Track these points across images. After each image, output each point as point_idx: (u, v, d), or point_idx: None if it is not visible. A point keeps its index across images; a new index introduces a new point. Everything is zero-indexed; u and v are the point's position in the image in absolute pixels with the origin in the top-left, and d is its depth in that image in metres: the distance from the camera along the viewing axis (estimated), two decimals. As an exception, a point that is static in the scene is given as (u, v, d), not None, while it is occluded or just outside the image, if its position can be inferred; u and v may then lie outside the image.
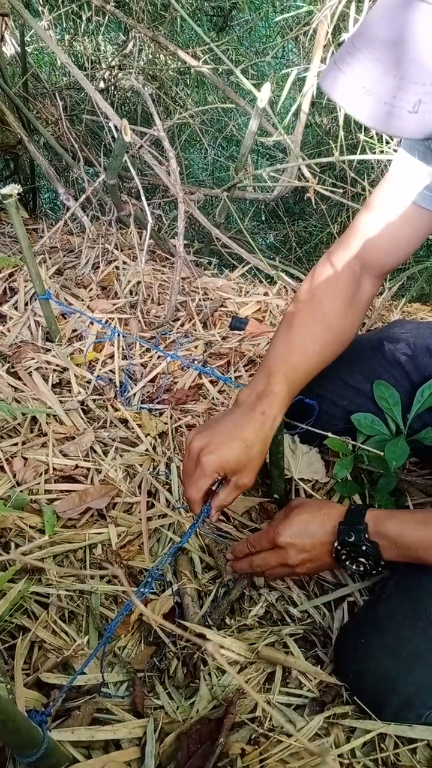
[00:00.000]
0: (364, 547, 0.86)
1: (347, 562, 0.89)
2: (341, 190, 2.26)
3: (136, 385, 1.50)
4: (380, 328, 1.32)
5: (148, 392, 1.50)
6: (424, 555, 0.84)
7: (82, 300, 1.81)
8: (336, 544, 0.88)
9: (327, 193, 1.96)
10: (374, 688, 0.86)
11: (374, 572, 0.88)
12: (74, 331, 1.67)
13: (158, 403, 1.45)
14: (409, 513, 0.91)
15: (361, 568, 0.88)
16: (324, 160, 1.97)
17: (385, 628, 0.88)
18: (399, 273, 2.03)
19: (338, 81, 0.63)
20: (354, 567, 0.89)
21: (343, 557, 0.88)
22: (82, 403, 1.42)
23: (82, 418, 1.37)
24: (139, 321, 1.75)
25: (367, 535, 0.86)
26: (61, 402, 1.40)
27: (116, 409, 1.41)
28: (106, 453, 1.29)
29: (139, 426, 1.36)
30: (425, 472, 1.28)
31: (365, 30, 0.62)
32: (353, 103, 0.62)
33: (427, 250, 2.97)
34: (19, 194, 1.28)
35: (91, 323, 1.65)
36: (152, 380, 1.54)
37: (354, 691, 0.90)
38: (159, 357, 1.60)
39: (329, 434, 1.14)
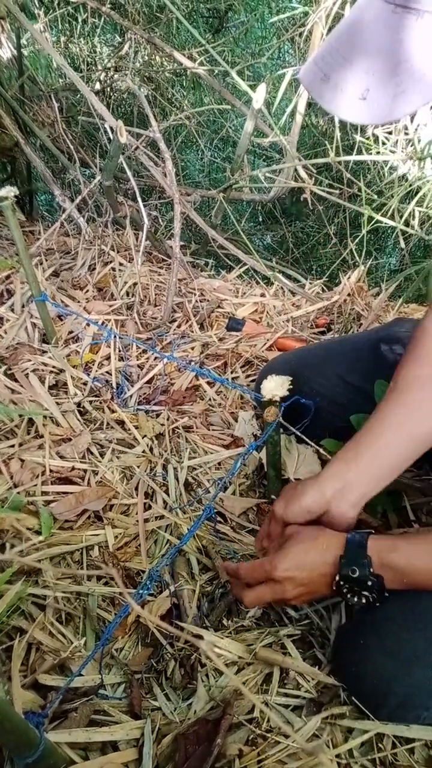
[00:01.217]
0: (369, 582, 0.82)
1: (349, 596, 0.84)
2: (338, 191, 2.26)
3: (132, 386, 1.50)
4: (380, 326, 1.32)
5: (144, 394, 1.50)
6: None
7: (79, 302, 1.81)
8: (338, 578, 0.84)
9: (323, 194, 1.97)
10: (372, 689, 0.86)
11: (377, 604, 0.85)
12: (71, 332, 1.67)
13: (155, 404, 1.45)
14: (413, 541, 0.85)
15: (363, 601, 0.84)
16: (320, 160, 1.97)
17: (383, 629, 0.87)
18: (396, 274, 2.03)
19: (309, 71, 0.69)
20: (356, 600, 0.84)
21: (345, 590, 0.84)
22: (78, 404, 1.42)
23: (78, 420, 1.37)
24: (136, 322, 1.75)
25: (371, 569, 0.82)
26: (57, 404, 1.40)
27: (113, 411, 1.41)
28: (102, 454, 1.29)
29: (136, 427, 1.36)
30: (423, 473, 1.28)
31: (338, 25, 0.68)
32: (318, 91, 0.68)
33: (424, 251, 2.98)
34: (15, 196, 1.28)
35: (88, 325, 1.65)
36: (149, 382, 1.54)
37: (352, 692, 0.90)
38: (156, 358, 1.60)
39: (312, 444, 1.14)
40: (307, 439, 1.18)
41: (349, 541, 0.85)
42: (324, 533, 0.89)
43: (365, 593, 0.83)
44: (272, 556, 0.88)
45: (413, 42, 0.60)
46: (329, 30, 1.90)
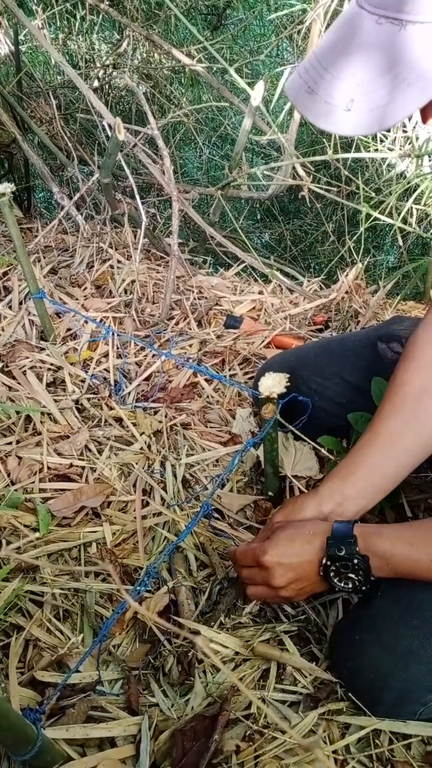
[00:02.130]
0: (355, 560, 0.84)
1: (336, 579, 0.86)
2: (336, 189, 2.26)
3: (130, 383, 1.50)
4: (378, 325, 1.32)
5: (142, 391, 1.50)
6: (418, 575, 0.84)
7: (77, 299, 1.81)
8: (325, 559, 0.85)
9: (321, 192, 1.97)
10: (369, 685, 0.86)
11: (364, 588, 0.86)
12: (69, 330, 1.67)
13: (153, 401, 1.45)
14: (398, 530, 0.88)
15: (349, 585, 0.86)
16: (318, 158, 1.97)
17: (379, 625, 0.88)
18: (394, 271, 2.03)
19: (294, 84, 0.69)
20: (343, 584, 0.86)
21: (332, 573, 0.86)
22: (76, 401, 1.42)
23: (76, 417, 1.37)
24: (134, 320, 1.75)
25: (357, 548, 0.84)
26: (55, 401, 1.40)
27: (111, 408, 1.41)
28: (100, 452, 1.29)
29: (134, 424, 1.36)
30: (420, 470, 1.28)
31: (323, 37, 0.68)
32: (303, 103, 0.67)
33: (422, 248, 2.98)
34: (12, 193, 1.28)
35: (86, 322, 1.65)
36: (147, 379, 1.54)
37: (348, 688, 0.90)
38: (154, 356, 1.60)
39: (310, 441, 1.15)
40: (304, 437, 1.18)
41: (336, 526, 0.88)
42: (312, 522, 0.92)
43: (351, 575, 0.85)
44: (261, 542, 0.91)
45: (398, 52, 0.60)
46: (327, 27, 1.90)
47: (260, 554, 0.88)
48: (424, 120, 0.69)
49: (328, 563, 0.85)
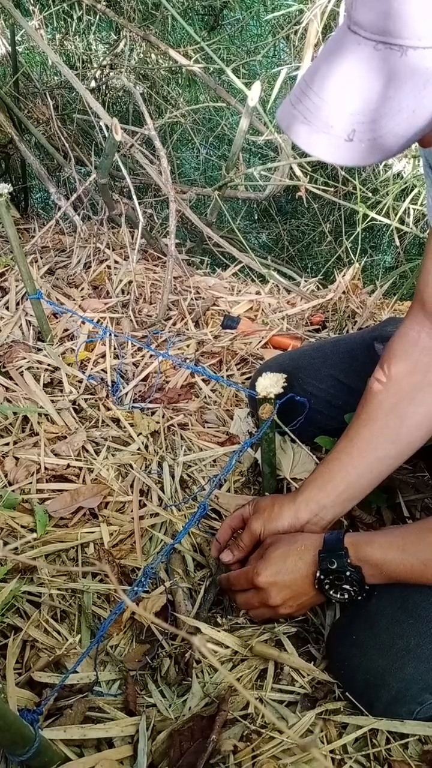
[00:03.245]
0: (348, 573, 0.85)
1: (331, 592, 0.87)
2: (333, 189, 2.27)
3: (128, 384, 1.50)
4: (374, 326, 1.32)
5: (140, 391, 1.50)
6: (411, 580, 0.84)
7: (74, 299, 1.81)
8: (318, 573, 0.86)
9: (319, 192, 1.97)
10: (365, 684, 0.86)
11: (359, 598, 0.87)
12: (66, 330, 1.67)
13: (150, 402, 1.45)
14: (388, 536, 0.87)
15: (346, 596, 0.87)
16: (315, 158, 1.97)
17: (376, 624, 0.88)
18: (391, 271, 2.04)
19: (287, 114, 0.65)
20: (339, 596, 0.87)
21: (327, 586, 0.87)
22: (73, 402, 1.42)
23: (73, 418, 1.37)
24: (131, 320, 1.75)
25: (349, 560, 0.85)
26: (52, 401, 1.40)
27: (108, 409, 1.41)
28: (98, 452, 1.29)
29: (131, 425, 1.36)
30: (417, 470, 1.28)
31: (314, 63, 0.65)
32: (299, 134, 0.64)
33: (419, 249, 2.98)
34: (10, 194, 1.28)
35: (83, 323, 1.65)
36: (144, 379, 1.54)
37: (345, 687, 0.90)
38: (151, 356, 1.60)
39: (303, 445, 1.15)
40: (297, 440, 1.18)
41: (326, 538, 0.89)
42: (302, 536, 0.92)
43: (346, 587, 0.86)
44: (254, 564, 0.92)
45: (398, 79, 0.58)
46: (324, 27, 1.90)
47: (254, 576, 0.90)
48: (424, 144, 0.67)
49: (322, 577, 0.86)
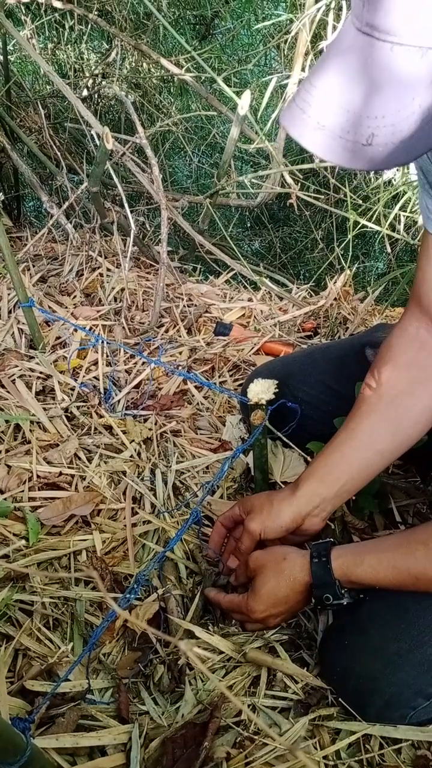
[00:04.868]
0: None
1: (328, 607, 0.94)
2: (324, 197, 2.28)
3: (120, 391, 1.50)
4: (364, 332, 1.33)
5: (132, 398, 1.50)
6: (403, 589, 0.86)
7: (66, 307, 1.81)
8: (314, 602, 0.91)
9: (310, 200, 1.98)
10: (358, 689, 0.86)
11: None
12: (58, 338, 1.67)
13: (143, 409, 1.45)
14: (377, 552, 0.88)
15: (344, 601, 0.90)
16: (306, 166, 1.99)
17: (368, 629, 0.88)
18: (382, 277, 2.05)
19: (296, 118, 0.63)
20: (336, 606, 0.91)
21: (326, 606, 0.92)
22: (66, 410, 1.42)
23: (66, 425, 1.37)
24: (124, 328, 1.75)
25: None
26: (44, 409, 1.40)
27: (100, 416, 1.41)
28: (90, 460, 1.29)
29: (124, 432, 1.36)
30: (409, 475, 1.29)
31: (321, 68, 0.62)
32: (309, 138, 0.62)
33: (411, 255, 3.00)
34: (2, 202, 1.28)
35: (75, 330, 1.65)
36: (137, 386, 1.54)
37: (338, 692, 0.90)
38: (143, 363, 1.60)
39: (297, 449, 1.17)
40: (291, 444, 1.19)
41: (314, 571, 0.90)
42: (287, 564, 0.93)
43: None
44: (246, 598, 0.94)
45: (418, 81, 0.56)
46: (313, 36, 1.92)
47: (249, 613, 0.93)
48: None
49: (319, 607, 0.96)
